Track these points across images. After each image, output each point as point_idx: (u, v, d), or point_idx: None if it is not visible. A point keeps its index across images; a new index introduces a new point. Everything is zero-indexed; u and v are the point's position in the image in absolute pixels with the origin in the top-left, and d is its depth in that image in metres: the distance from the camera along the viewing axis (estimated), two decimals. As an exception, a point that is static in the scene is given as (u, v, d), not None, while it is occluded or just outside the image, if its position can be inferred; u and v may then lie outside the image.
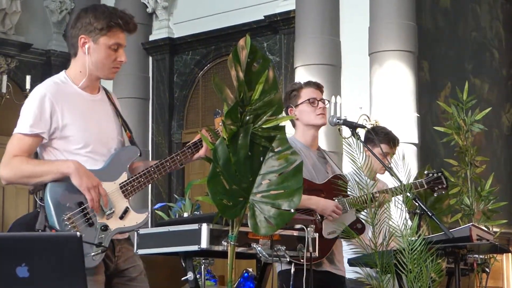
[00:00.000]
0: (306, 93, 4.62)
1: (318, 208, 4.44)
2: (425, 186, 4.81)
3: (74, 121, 3.54)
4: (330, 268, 4.55)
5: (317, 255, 3.65)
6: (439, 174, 4.87)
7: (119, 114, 3.74)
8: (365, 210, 4.30)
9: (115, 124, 3.70)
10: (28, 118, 3.50)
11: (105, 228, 3.48)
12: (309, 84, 4.70)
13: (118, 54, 3.60)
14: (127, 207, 3.56)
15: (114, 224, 3.51)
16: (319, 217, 4.44)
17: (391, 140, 5.57)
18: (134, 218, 3.57)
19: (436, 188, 4.87)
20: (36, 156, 3.63)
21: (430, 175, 4.87)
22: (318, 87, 4.70)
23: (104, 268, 3.53)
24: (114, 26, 3.57)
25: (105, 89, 3.78)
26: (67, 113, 3.54)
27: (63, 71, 3.68)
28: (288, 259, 3.36)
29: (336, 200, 4.50)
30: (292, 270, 3.45)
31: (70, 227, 3.41)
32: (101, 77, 3.66)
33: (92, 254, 3.40)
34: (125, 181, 3.58)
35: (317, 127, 4.66)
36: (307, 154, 4.57)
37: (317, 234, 3.62)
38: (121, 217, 3.54)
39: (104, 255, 3.47)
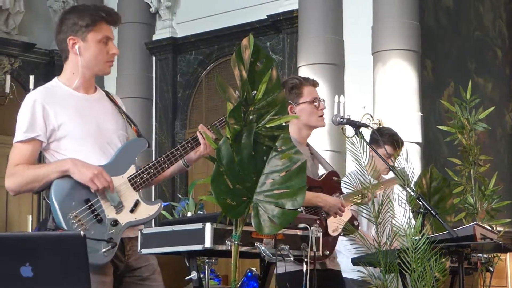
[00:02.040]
0: (309, 92, 4.51)
1: (325, 206, 4.42)
2: None
3: (69, 119, 3.52)
4: (332, 266, 4.55)
5: (321, 254, 3.64)
6: None
7: (122, 111, 3.70)
8: (367, 209, 4.28)
9: (115, 120, 3.66)
10: (22, 125, 3.50)
11: (115, 223, 3.44)
12: (308, 81, 4.58)
13: (109, 47, 3.61)
14: (138, 200, 3.52)
15: (124, 218, 3.48)
16: (324, 215, 4.44)
17: (396, 142, 5.57)
18: (146, 210, 3.53)
19: None
20: (39, 161, 3.62)
21: None
22: (316, 85, 4.60)
23: (112, 269, 3.50)
24: (98, 20, 3.57)
25: (105, 91, 3.75)
26: (61, 112, 3.52)
27: (55, 77, 3.67)
28: (292, 258, 3.36)
29: (335, 197, 4.49)
30: (304, 269, 3.43)
31: (77, 225, 3.38)
32: (97, 73, 3.64)
33: (103, 250, 3.38)
34: (134, 173, 3.54)
35: (314, 128, 4.59)
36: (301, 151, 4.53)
37: (321, 232, 3.61)
38: (132, 210, 3.50)
39: (113, 255, 3.44)
